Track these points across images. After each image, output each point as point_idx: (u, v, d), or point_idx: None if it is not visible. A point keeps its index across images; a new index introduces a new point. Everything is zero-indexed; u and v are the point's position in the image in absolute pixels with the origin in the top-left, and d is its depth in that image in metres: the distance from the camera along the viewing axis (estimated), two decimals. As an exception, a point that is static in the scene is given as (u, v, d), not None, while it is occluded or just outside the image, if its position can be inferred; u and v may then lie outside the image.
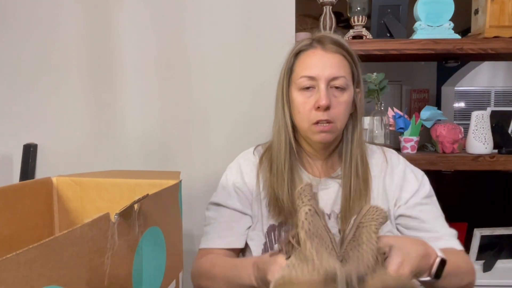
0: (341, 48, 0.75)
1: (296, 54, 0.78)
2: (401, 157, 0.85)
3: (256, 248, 0.80)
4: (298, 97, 0.76)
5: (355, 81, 0.78)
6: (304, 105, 0.74)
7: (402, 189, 0.80)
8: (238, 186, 0.83)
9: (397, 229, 0.80)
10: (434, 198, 0.81)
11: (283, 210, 0.77)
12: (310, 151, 0.82)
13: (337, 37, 0.76)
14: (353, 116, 0.79)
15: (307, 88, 0.74)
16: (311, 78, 0.74)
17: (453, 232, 0.77)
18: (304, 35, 1.12)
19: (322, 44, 0.75)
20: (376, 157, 0.83)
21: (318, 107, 0.72)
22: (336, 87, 0.74)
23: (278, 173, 0.79)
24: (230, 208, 0.82)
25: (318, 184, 0.81)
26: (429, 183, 0.82)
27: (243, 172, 0.84)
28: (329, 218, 0.78)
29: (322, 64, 0.73)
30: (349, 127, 0.79)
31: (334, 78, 0.73)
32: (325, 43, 0.75)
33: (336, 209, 0.79)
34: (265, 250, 0.79)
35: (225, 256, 0.79)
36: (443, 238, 0.75)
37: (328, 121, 0.73)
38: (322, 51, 0.75)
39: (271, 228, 0.80)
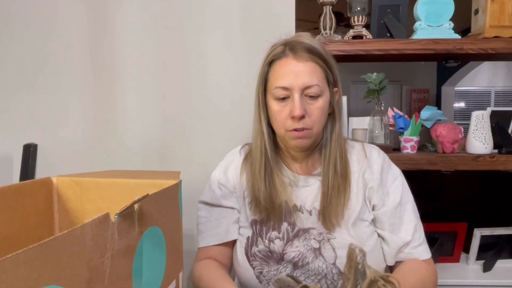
0: (313, 54, 0.76)
1: (270, 62, 0.79)
2: (381, 152, 0.86)
3: (240, 243, 0.84)
4: (274, 106, 0.78)
5: (330, 83, 0.79)
6: (280, 114, 0.77)
7: (376, 192, 0.81)
8: (222, 182, 0.88)
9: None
10: (407, 200, 0.83)
11: (263, 210, 0.81)
12: (290, 152, 0.84)
13: (310, 41, 0.77)
14: (331, 115, 0.81)
15: (282, 98, 0.76)
16: (285, 88, 0.75)
17: (419, 241, 0.81)
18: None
19: (294, 52, 0.76)
20: (356, 153, 0.85)
21: (293, 117, 0.74)
22: (310, 96, 0.75)
23: (256, 176, 0.82)
24: (217, 206, 0.87)
25: (299, 181, 0.83)
26: (404, 183, 0.84)
27: (227, 170, 0.89)
28: (310, 214, 0.81)
29: (295, 74, 0.74)
30: (328, 127, 0.81)
31: (307, 87, 0.74)
32: (297, 51, 0.76)
33: (316, 206, 0.81)
34: (248, 243, 0.83)
35: (221, 252, 0.86)
36: (406, 247, 0.80)
37: (303, 128, 0.75)
38: (294, 61, 0.75)
39: (253, 222, 0.84)
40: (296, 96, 0.74)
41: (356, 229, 0.78)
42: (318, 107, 0.76)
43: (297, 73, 0.74)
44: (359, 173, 0.82)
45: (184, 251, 0.71)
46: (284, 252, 0.80)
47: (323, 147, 0.81)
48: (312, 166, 0.85)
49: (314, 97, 0.75)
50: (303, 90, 0.74)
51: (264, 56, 0.81)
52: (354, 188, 0.81)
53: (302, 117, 0.74)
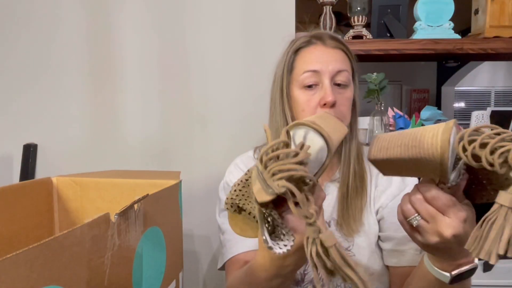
0: (340, 43, 0.74)
1: (296, 51, 0.75)
2: None
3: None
4: (300, 95, 0.72)
5: (355, 78, 0.76)
6: (309, 103, 0.71)
7: (384, 192, 0.75)
8: None
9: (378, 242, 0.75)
10: None
11: None
12: None
13: (334, 34, 0.76)
14: (353, 113, 0.77)
15: (310, 86, 0.71)
16: (315, 72, 0.71)
17: None
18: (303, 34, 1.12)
19: (321, 40, 0.74)
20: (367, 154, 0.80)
21: (324, 104, 0.69)
22: (339, 84, 0.71)
23: None
24: None
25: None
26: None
27: (244, 171, 0.81)
28: (329, 225, 0.75)
29: (325, 59, 0.71)
30: (350, 123, 0.77)
31: (338, 72, 0.71)
32: (324, 39, 0.73)
33: (335, 216, 0.75)
34: None
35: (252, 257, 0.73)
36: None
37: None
38: (323, 46, 0.73)
39: None
40: (326, 82, 0.70)
41: (374, 237, 0.73)
42: (348, 97, 0.72)
43: (327, 57, 0.71)
44: (376, 176, 0.77)
45: (184, 251, 0.71)
46: (306, 272, 0.74)
47: (343, 148, 0.76)
48: (331, 170, 0.79)
49: (343, 86, 0.72)
50: (333, 76, 0.70)
51: (284, 51, 0.77)
52: (368, 189, 0.76)
53: (333, 105, 0.69)
